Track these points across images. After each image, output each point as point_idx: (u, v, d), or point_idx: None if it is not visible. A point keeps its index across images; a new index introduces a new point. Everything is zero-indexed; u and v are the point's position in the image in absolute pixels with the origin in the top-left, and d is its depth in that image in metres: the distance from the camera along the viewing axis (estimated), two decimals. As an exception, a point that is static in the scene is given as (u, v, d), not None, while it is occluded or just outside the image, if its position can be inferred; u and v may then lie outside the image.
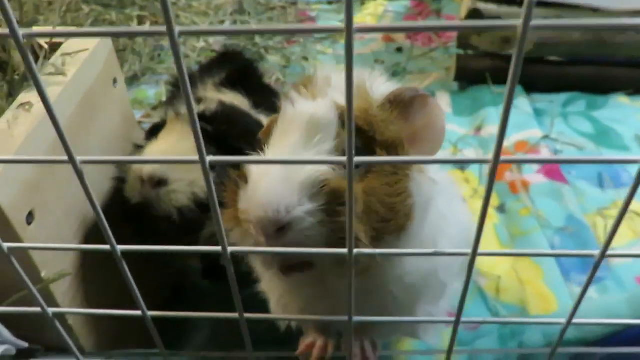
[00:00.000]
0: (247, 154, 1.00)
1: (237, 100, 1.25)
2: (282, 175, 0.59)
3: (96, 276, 0.99)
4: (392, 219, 0.62)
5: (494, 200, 1.57)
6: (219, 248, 0.56)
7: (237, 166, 0.68)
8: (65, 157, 0.50)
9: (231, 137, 1.03)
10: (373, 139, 0.63)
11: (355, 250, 0.55)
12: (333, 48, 2.30)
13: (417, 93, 0.65)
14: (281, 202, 0.58)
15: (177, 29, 0.39)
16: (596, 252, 0.57)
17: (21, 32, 0.41)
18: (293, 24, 2.41)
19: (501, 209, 1.56)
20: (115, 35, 0.41)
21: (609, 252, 0.57)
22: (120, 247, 0.58)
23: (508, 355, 0.91)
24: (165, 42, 2.22)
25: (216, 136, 1.03)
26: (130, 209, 1.00)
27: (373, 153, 0.63)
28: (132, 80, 2.06)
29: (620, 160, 0.49)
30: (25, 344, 0.75)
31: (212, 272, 1.45)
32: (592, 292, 1.32)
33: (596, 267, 0.57)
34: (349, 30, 0.38)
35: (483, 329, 1.07)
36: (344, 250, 0.55)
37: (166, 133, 1.04)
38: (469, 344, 1.06)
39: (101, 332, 1.01)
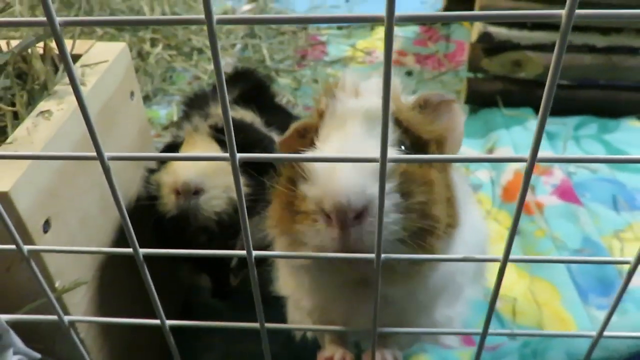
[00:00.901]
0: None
1: (249, 117, 1.25)
2: (352, 170, 0.58)
3: (109, 289, 0.97)
4: (451, 214, 0.63)
5: (507, 221, 1.55)
6: (243, 252, 0.55)
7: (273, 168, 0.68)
8: (94, 153, 0.49)
9: (246, 145, 1.03)
10: (420, 137, 0.63)
11: (384, 256, 0.54)
12: (343, 71, 2.31)
13: (443, 98, 0.67)
14: (358, 185, 0.57)
15: (215, 17, 0.39)
16: (631, 259, 0.55)
17: (58, 19, 0.40)
18: (328, 14, 2.46)
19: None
20: (148, 24, 0.41)
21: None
22: (142, 251, 0.56)
23: (531, 376, 0.89)
24: (177, 64, 2.24)
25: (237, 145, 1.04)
26: (165, 224, 1.00)
27: (423, 150, 0.64)
28: (144, 100, 2.07)
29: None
30: (38, 355, 0.73)
31: (221, 292, 1.43)
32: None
33: (631, 274, 0.55)
34: (390, 18, 0.38)
35: (503, 349, 1.04)
36: (372, 255, 0.54)
37: (187, 146, 1.04)
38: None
39: (111, 348, 0.98)
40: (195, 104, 1.25)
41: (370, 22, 0.39)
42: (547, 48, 1.89)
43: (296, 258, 0.64)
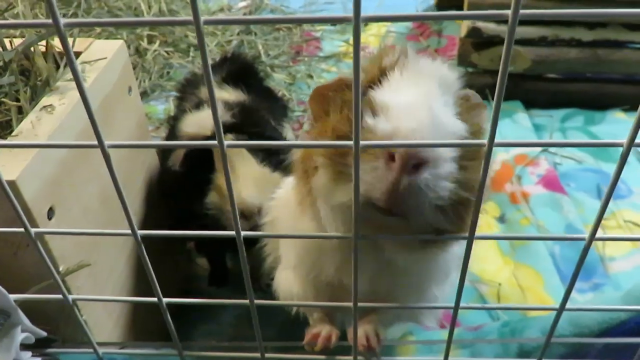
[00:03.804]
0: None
1: (237, 96, 1.31)
2: (430, 116, 0.58)
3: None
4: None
5: (494, 211, 1.61)
6: (232, 233, 0.60)
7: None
8: (95, 142, 0.54)
9: (246, 125, 1.11)
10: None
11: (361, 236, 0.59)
12: (337, 67, 2.36)
13: (481, 100, 0.70)
14: (432, 134, 0.56)
15: (202, 18, 0.43)
16: (585, 236, 0.61)
17: (62, 21, 0.45)
18: (301, 15, 2.49)
19: (501, 219, 1.59)
20: (143, 24, 0.45)
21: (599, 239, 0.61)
22: (140, 232, 0.61)
23: (507, 351, 0.94)
24: (174, 60, 2.29)
25: (234, 125, 1.12)
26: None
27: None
28: (142, 96, 2.12)
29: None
30: (44, 333, 0.78)
31: (217, 279, 1.48)
32: (590, 297, 1.35)
33: (586, 250, 0.61)
34: (357, 19, 0.43)
35: (484, 329, 1.10)
36: (349, 235, 0.58)
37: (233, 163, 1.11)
38: (469, 345, 1.08)
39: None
40: (187, 88, 1.32)
41: (339, 22, 0.43)
42: (535, 42, 1.94)
43: (279, 237, 0.69)
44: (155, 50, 2.27)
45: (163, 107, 2.11)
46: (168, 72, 2.27)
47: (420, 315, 0.88)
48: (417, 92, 0.62)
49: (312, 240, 0.77)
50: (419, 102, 0.60)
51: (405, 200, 0.57)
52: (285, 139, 1.29)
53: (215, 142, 0.53)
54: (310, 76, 2.29)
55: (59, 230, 0.65)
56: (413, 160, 0.56)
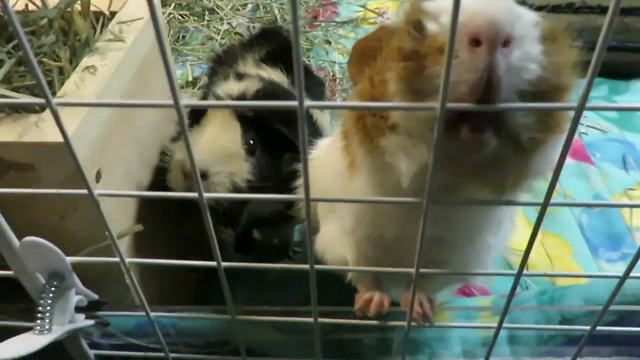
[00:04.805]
0: (287, 137, 1.02)
1: (276, 76, 1.27)
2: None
3: (148, 240, 1.02)
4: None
5: (521, 180, 1.60)
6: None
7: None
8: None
9: (272, 119, 1.04)
10: None
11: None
12: (355, 32, 2.32)
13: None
14: (510, 11, 0.52)
15: None
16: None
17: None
18: None
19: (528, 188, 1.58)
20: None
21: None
22: (206, 195, 0.60)
23: (549, 319, 0.94)
24: (189, 24, 2.24)
25: (256, 120, 1.05)
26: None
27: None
28: (158, 61, 2.08)
29: None
30: (96, 296, 0.78)
31: (243, 246, 1.48)
32: (620, 266, 1.35)
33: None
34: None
35: (519, 298, 1.10)
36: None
37: (208, 121, 1.05)
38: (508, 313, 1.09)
39: (146, 291, 1.04)
40: (224, 60, 1.28)
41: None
42: (561, 9, 1.90)
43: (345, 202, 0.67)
44: (170, 14, 2.22)
45: (180, 71, 2.07)
46: (184, 37, 2.22)
47: (472, 277, 0.87)
48: None
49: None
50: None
51: (499, 84, 0.52)
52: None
53: (296, 102, 0.51)
54: (328, 42, 2.26)
55: (121, 192, 0.64)
56: (502, 36, 0.50)
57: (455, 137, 0.54)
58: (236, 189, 1.01)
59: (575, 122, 0.51)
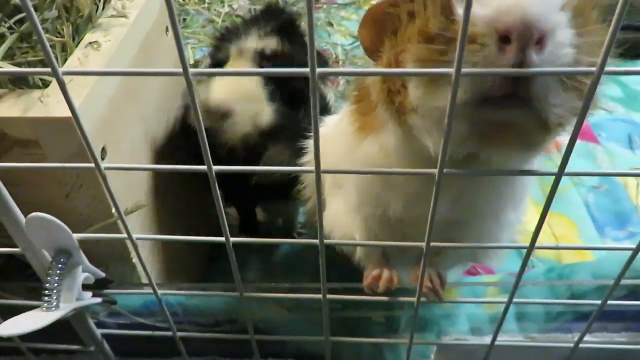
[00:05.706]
0: (304, 93, 1.02)
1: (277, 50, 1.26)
2: None
3: (155, 215, 1.01)
4: None
5: (526, 161, 1.59)
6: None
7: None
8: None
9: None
10: None
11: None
12: (357, 14, 2.30)
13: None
14: (548, 9, 0.49)
15: None
16: None
17: None
18: None
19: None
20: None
21: None
22: (215, 168, 0.59)
23: (557, 295, 0.93)
24: (190, 7, 2.22)
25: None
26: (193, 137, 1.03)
27: None
28: (160, 43, 2.06)
29: None
30: (102, 274, 0.77)
31: (248, 227, 1.48)
32: (626, 245, 1.34)
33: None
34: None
35: (527, 275, 1.09)
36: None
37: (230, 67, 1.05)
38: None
39: (153, 267, 1.03)
40: (227, 38, 1.26)
41: None
42: None
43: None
44: (170, -4, 2.19)
45: (181, 54, 2.05)
46: (184, 19, 2.19)
47: (483, 256, 0.86)
48: None
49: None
50: None
51: (532, 79, 0.50)
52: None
53: (307, 69, 0.50)
54: (330, 24, 2.23)
55: (130, 165, 0.63)
56: (535, 35, 0.48)
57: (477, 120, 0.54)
58: (258, 130, 1.02)
59: (594, 85, 0.50)
